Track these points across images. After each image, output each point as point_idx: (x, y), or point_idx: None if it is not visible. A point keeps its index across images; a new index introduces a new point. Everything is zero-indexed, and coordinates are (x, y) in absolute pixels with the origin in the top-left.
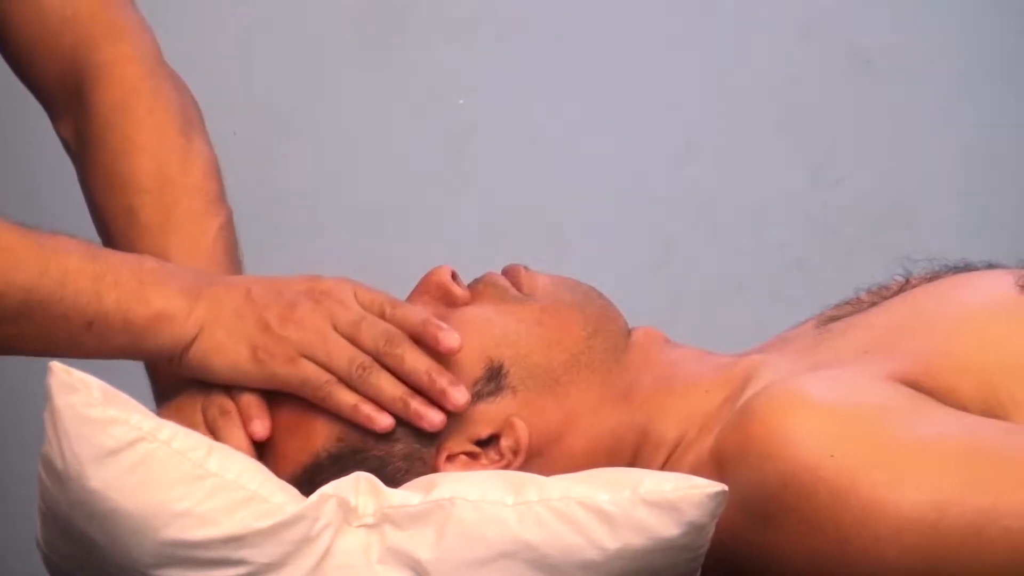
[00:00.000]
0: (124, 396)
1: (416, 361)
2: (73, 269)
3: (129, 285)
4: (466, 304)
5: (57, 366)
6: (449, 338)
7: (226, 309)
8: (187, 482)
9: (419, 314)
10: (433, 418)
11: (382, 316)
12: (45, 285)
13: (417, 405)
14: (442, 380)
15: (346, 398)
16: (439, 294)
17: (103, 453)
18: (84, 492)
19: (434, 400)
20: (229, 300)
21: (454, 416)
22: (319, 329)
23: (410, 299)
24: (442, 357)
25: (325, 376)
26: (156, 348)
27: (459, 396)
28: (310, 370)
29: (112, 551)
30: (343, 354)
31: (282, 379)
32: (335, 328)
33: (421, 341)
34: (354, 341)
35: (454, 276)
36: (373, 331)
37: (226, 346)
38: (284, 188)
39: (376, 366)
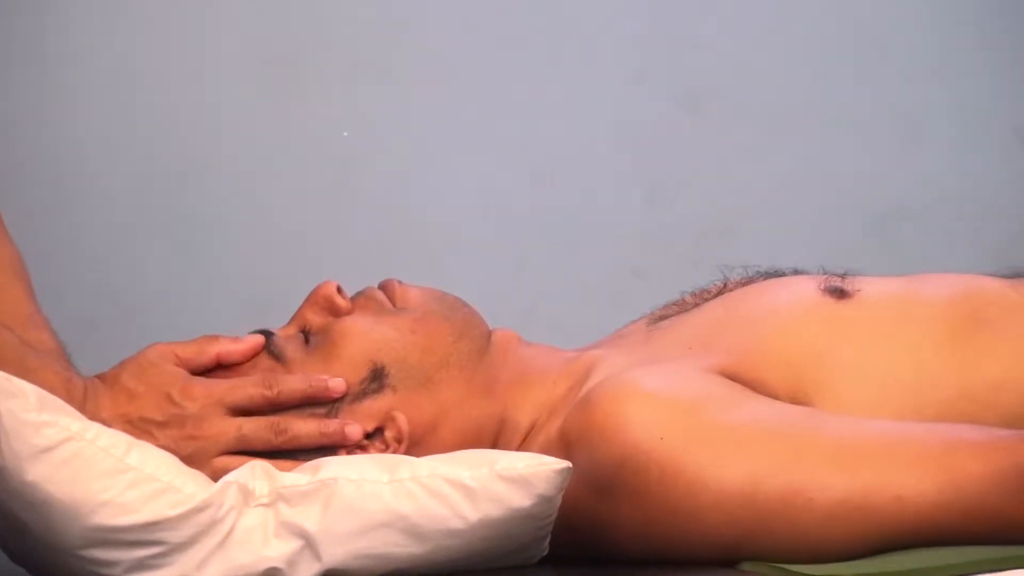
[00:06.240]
0: (58, 401)
1: (308, 432)
2: None
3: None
4: (349, 314)
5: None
6: (336, 384)
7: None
8: (110, 475)
9: (299, 382)
10: (351, 434)
11: (267, 403)
12: None
13: (333, 432)
14: (334, 426)
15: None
16: (326, 305)
17: (37, 451)
18: (21, 484)
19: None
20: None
21: (346, 415)
22: (222, 458)
23: (300, 310)
24: (332, 370)
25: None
26: None
27: (354, 431)
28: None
29: (46, 535)
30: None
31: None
32: (228, 452)
33: (314, 399)
34: (249, 451)
35: (339, 290)
36: (257, 435)
37: None
38: (195, 210)
39: (276, 443)
